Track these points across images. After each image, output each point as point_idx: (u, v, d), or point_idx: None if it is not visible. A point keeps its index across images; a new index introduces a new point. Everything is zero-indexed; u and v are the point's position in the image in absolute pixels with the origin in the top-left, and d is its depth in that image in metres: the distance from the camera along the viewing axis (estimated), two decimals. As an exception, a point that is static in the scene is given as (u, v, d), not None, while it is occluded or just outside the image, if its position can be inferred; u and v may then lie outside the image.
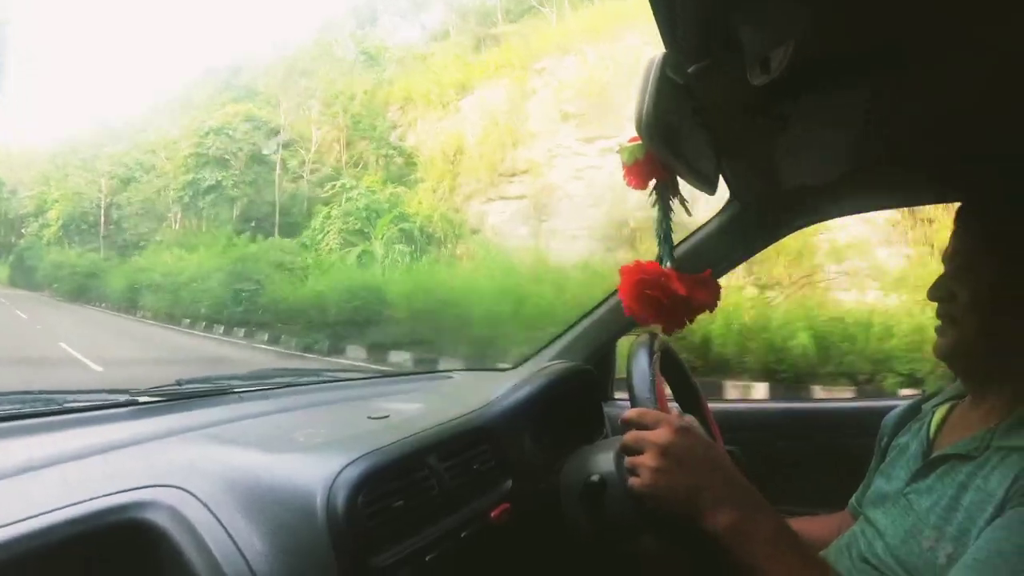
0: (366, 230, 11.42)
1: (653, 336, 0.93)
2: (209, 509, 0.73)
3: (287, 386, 1.27)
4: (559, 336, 1.51)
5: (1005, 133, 0.97)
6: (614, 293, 1.39)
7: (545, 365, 1.39)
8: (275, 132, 16.07)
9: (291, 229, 14.05)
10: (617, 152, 0.79)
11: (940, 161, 1.08)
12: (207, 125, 16.67)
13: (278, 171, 15.37)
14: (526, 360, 1.51)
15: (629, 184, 0.82)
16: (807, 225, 1.30)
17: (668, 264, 0.82)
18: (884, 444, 1.09)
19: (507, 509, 0.99)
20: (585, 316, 1.49)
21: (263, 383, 1.27)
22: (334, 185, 13.38)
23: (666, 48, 0.62)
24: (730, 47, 0.60)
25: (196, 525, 0.71)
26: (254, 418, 1.04)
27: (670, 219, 0.85)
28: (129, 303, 16.18)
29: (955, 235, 0.93)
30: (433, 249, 11.24)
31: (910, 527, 0.88)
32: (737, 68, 0.64)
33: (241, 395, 1.15)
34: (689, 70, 0.62)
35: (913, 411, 1.07)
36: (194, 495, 0.74)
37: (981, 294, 0.87)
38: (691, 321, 0.88)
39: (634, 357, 0.87)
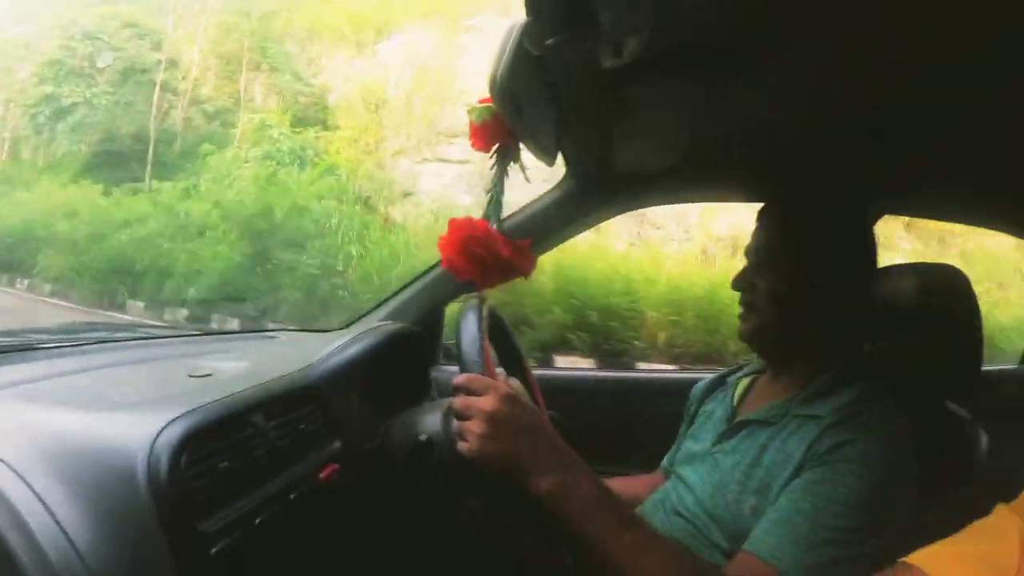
0: (288, 181, 8.68)
1: (482, 301, 0.95)
2: (21, 477, 0.65)
3: (100, 342, 1.16)
4: (389, 298, 1.51)
5: (805, 144, 1.11)
6: None
7: (374, 326, 1.38)
8: (158, 46, 12.08)
9: (167, 170, 10.52)
10: (467, 111, 0.80)
11: (751, 163, 1.21)
12: (77, 25, 12.22)
13: (157, 94, 11.60)
14: (354, 321, 1.49)
15: (474, 146, 0.84)
16: (633, 209, 1.40)
17: (495, 225, 0.85)
18: (693, 411, 1.22)
19: (336, 470, 0.97)
20: (416, 279, 1.50)
21: (74, 339, 1.15)
22: (246, 121, 10.27)
23: (528, 17, 0.64)
24: (588, 26, 0.63)
25: (6, 495, 0.63)
26: (65, 376, 0.93)
27: (504, 183, 0.88)
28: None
29: (756, 233, 1.06)
30: (363, 210, 9.53)
31: (717, 482, 0.99)
32: (591, 48, 0.67)
33: (49, 351, 1.03)
34: (546, 43, 0.64)
35: (719, 382, 1.21)
36: (3, 461, 0.66)
37: (778, 286, 0.99)
38: (505, 282, 0.91)
39: (463, 321, 0.89)
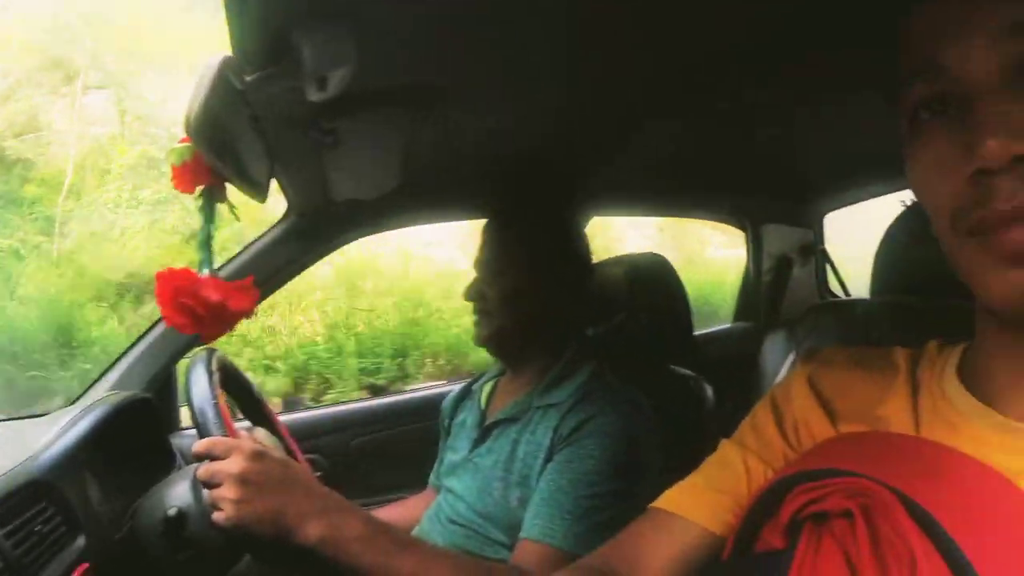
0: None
1: (211, 353, 0.89)
2: None
3: None
4: (112, 365, 1.31)
5: (511, 162, 1.21)
6: None
7: (97, 400, 1.18)
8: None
9: None
10: (167, 154, 0.74)
11: (467, 183, 1.28)
12: None
13: None
14: (77, 399, 1.28)
15: (176, 187, 0.77)
16: (362, 236, 1.40)
17: (206, 271, 0.80)
18: (447, 424, 1.27)
19: (87, 569, 0.84)
20: (140, 340, 1.32)
21: None
22: None
23: (232, 51, 0.60)
24: (291, 61, 0.62)
25: None
26: None
27: (212, 225, 0.83)
28: None
29: (482, 246, 1.15)
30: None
31: (481, 484, 1.05)
32: (296, 81, 0.66)
33: None
34: (248, 78, 0.61)
35: (465, 391, 1.27)
36: None
37: (508, 293, 1.09)
38: (232, 328, 0.87)
39: (191, 378, 0.83)
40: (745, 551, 0.53)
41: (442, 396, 1.40)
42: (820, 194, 1.96)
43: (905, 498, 0.43)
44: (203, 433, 0.79)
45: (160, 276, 0.76)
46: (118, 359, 1.32)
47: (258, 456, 0.76)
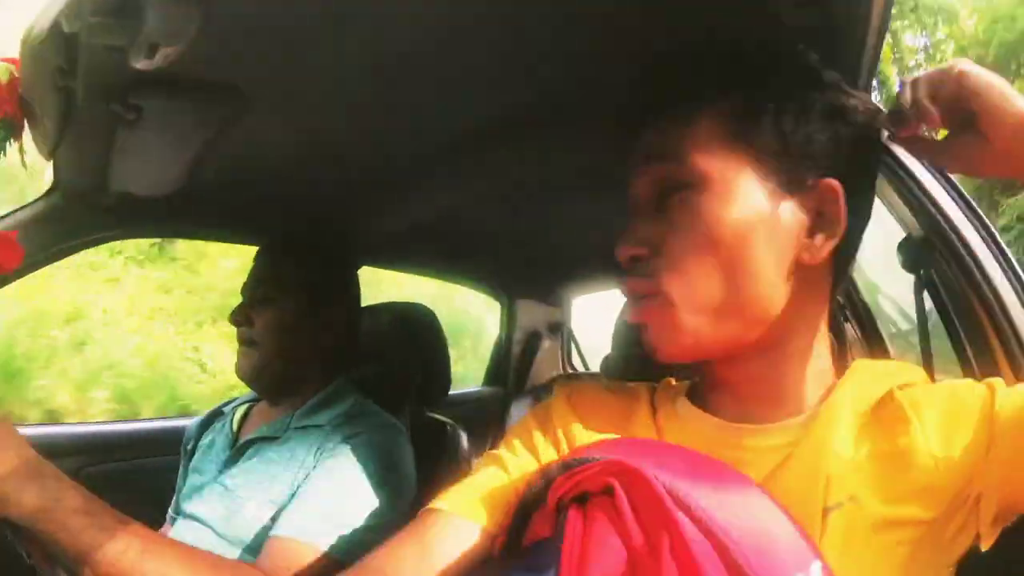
0: None
1: None
2: None
3: None
4: None
5: (299, 193, 1.24)
6: None
7: None
8: None
9: None
10: None
11: (250, 206, 1.27)
12: None
13: None
14: None
15: None
16: (123, 237, 1.29)
17: None
18: (191, 447, 1.18)
19: None
20: None
21: None
22: None
23: None
24: (128, 20, 0.63)
25: None
26: None
27: None
28: None
29: (256, 273, 1.14)
30: None
31: (229, 505, 0.99)
32: (124, 42, 0.66)
33: None
34: (87, 19, 0.60)
35: (215, 414, 1.21)
36: None
37: (279, 322, 1.09)
38: None
39: None
40: (515, 545, 0.58)
41: (175, 428, 1.31)
42: (570, 278, 2.26)
43: (655, 474, 0.51)
44: None
45: None
46: None
47: None
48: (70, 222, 1.17)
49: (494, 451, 0.70)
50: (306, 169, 1.16)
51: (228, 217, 1.33)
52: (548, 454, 0.66)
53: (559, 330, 2.41)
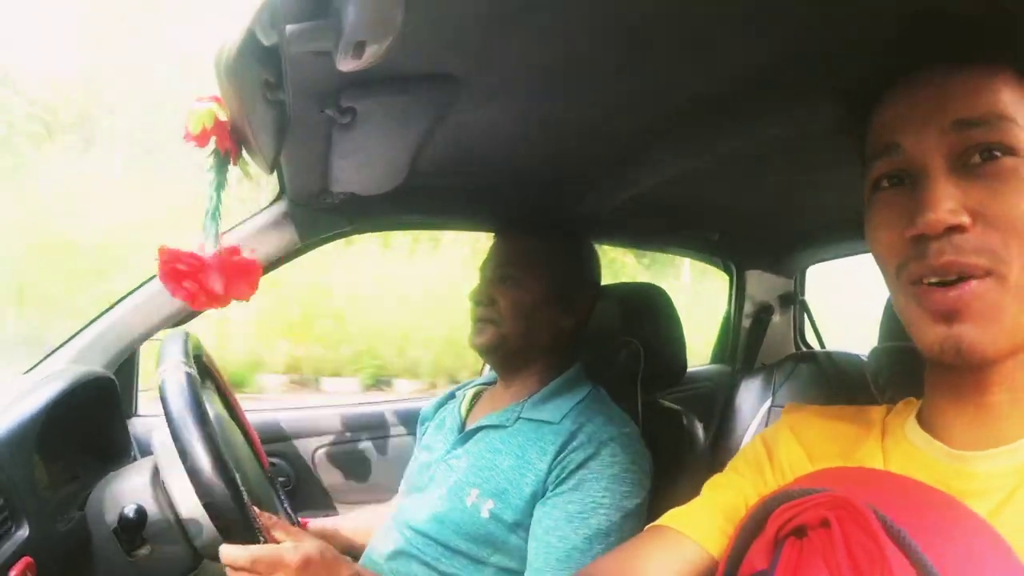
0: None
1: (193, 359, 0.78)
2: None
3: None
4: (75, 335, 1.19)
5: (535, 179, 1.19)
6: (141, 285, 1.18)
7: (57, 371, 1.07)
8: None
9: None
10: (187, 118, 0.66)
11: (476, 192, 1.25)
12: None
13: None
14: (37, 364, 1.15)
15: (188, 139, 0.69)
16: (357, 233, 1.34)
17: (213, 247, 0.72)
18: (424, 429, 1.21)
19: (31, 565, 0.74)
20: (107, 312, 1.20)
21: None
22: None
23: None
24: (329, 21, 0.58)
25: None
26: None
27: (222, 193, 0.75)
28: None
29: (496, 252, 1.13)
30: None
31: (452, 485, 1.01)
32: (329, 45, 0.61)
33: None
34: (283, 30, 0.56)
35: (447, 397, 1.24)
36: None
37: (521, 302, 1.06)
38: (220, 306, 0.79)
39: (175, 409, 0.70)
40: (732, 573, 0.59)
41: (413, 409, 1.34)
42: (803, 247, 1.99)
43: (875, 510, 0.51)
44: (225, 529, 0.69)
45: (163, 252, 0.69)
46: (81, 330, 1.20)
47: (307, 565, 0.72)
48: (300, 225, 1.22)
49: (720, 475, 0.71)
50: (522, 153, 1.10)
51: (451, 205, 1.33)
52: (771, 483, 0.66)
53: (791, 303, 2.15)
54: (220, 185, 0.72)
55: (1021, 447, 0.53)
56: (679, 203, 1.48)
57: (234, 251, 0.71)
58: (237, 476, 0.70)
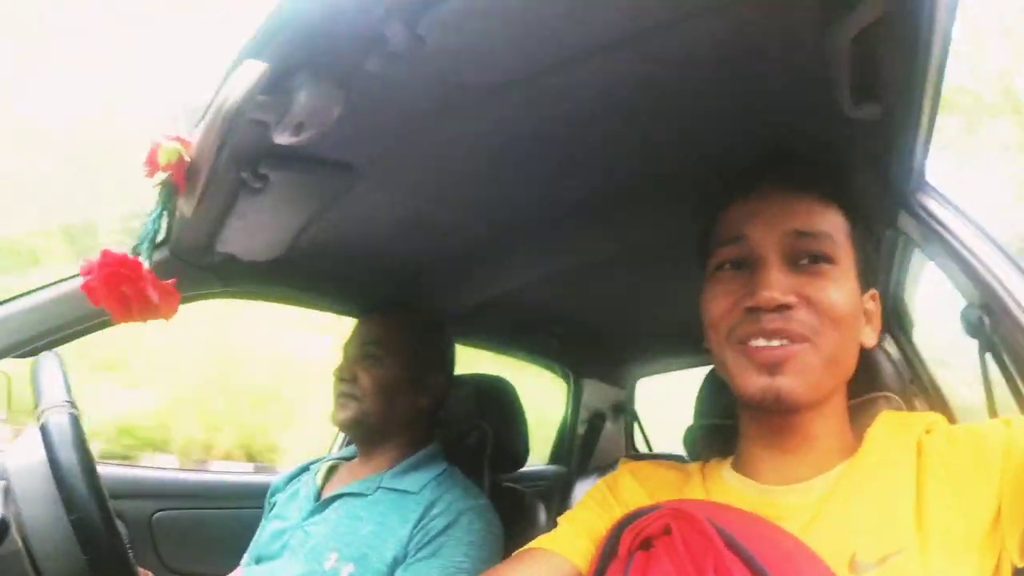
0: None
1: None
2: None
3: None
4: None
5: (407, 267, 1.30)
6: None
7: None
8: None
9: None
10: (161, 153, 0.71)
11: (341, 276, 1.33)
12: None
13: None
14: None
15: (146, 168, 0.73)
16: (225, 297, 1.34)
17: (147, 264, 0.75)
18: (274, 501, 1.21)
19: None
20: None
21: None
22: None
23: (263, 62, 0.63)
24: (278, 98, 0.68)
25: None
26: None
27: (163, 220, 0.79)
28: None
29: (362, 333, 1.20)
30: None
31: (310, 550, 1.01)
32: (273, 117, 0.71)
33: None
34: (257, 97, 0.65)
35: (300, 470, 1.24)
36: None
37: (381, 380, 1.14)
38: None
39: (60, 445, 0.71)
40: None
41: (261, 483, 1.33)
42: (635, 360, 2.24)
43: (708, 519, 0.62)
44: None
45: (105, 254, 0.71)
46: None
47: None
48: (174, 276, 1.21)
49: (570, 512, 0.80)
50: (395, 243, 1.22)
51: (320, 285, 1.39)
52: (615, 512, 0.75)
53: (622, 411, 2.38)
54: (163, 213, 0.77)
55: (814, 485, 0.67)
56: (526, 310, 1.63)
57: (153, 277, 0.75)
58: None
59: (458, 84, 0.72)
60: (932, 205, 0.86)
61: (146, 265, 0.71)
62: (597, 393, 2.31)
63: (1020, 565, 0.58)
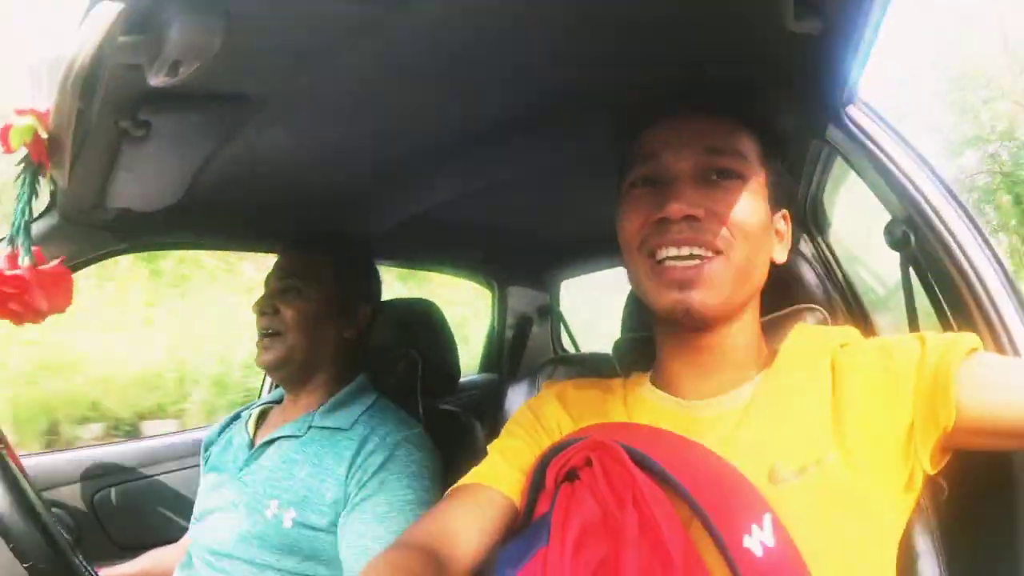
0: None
1: None
2: None
3: None
4: None
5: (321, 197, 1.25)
6: None
7: None
8: None
9: None
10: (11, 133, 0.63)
11: (252, 211, 1.27)
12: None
13: None
14: None
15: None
16: (131, 252, 1.27)
17: (27, 260, 0.69)
18: (208, 454, 1.18)
19: None
20: None
21: None
22: None
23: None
24: (149, 37, 0.62)
25: None
26: None
27: (32, 204, 0.71)
28: None
29: (283, 268, 1.16)
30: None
31: (249, 501, 1.01)
32: (145, 59, 0.65)
33: None
34: (121, 37, 0.59)
35: (232, 419, 1.22)
36: None
37: (304, 312, 1.11)
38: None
39: None
40: (527, 520, 0.71)
41: (196, 440, 1.31)
42: (558, 263, 2.29)
43: (625, 446, 0.66)
44: None
45: None
46: None
47: None
48: (70, 241, 1.14)
49: (498, 441, 0.82)
50: (306, 173, 1.17)
51: (228, 224, 1.33)
52: (544, 441, 0.78)
53: (548, 313, 2.44)
54: (30, 196, 0.69)
55: (731, 397, 0.71)
56: (448, 225, 1.62)
57: (40, 260, 0.69)
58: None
59: (360, 1, 0.66)
60: (862, 119, 0.87)
61: (26, 260, 0.66)
62: (523, 298, 2.35)
63: (931, 472, 0.63)
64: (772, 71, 0.81)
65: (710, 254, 0.67)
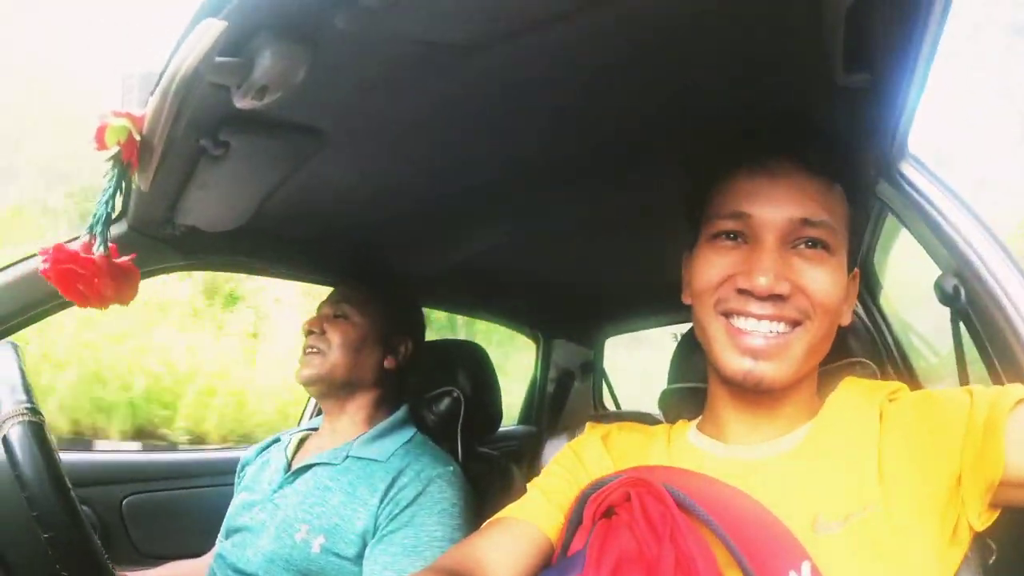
0: None
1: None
2: None
3: None
4: None
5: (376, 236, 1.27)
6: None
7: None
8: None
9: None
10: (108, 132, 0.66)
11: (308, 243, 1.29)
12: None
13: None
14: None
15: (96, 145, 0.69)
16: (191, 269, 1.29)
17: (101, 250, 0.71)
18: (243, 474, 1.19)
19: None
20: None
21: None
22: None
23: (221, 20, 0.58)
24: (240, 61, 0.64)
25: None
26: None
27: (114, 201, 0.74)
28: None
29: (334, 295, 1.20)
30: None
31: (280, 523, 1.00)
32: (235, 81, 0.67)
33: None
34: (215, 60, 0.60)
35: (271, 442, 1.23)
36: None
37: (348, 336, 1.12)
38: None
39: (25, 459, 0.70)
40: (563, 556, 0.71)
41: (228, 459, 1.31)
42: (603, 320, 2.26)
43: (667, 486, 0.65)
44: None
45: (59, 251, 0.68)
46: None
47: None
48: (134, 251, 1.16)
49: (539, 478, 0.81)
50: (364, 209, 1.19)
51: (286, 253, 1.35)
52: (583, 481, 0.77)
53: (591, 370, 2.40)
54: (115, 193, 0.72)
55: (778, 444, 0.70)
56: (495, 273, 1.63)
57: (114, 253, 0.71)
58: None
59: (431, 43, 0.68)
60: (913, 175, 0.86)
61: (101, 251, 0.67)
62: (566, 353, 2.32)
63: (978, 529, 0.61)
64: (822, 127, 0.80)
65: (789, 329, 0.66)
